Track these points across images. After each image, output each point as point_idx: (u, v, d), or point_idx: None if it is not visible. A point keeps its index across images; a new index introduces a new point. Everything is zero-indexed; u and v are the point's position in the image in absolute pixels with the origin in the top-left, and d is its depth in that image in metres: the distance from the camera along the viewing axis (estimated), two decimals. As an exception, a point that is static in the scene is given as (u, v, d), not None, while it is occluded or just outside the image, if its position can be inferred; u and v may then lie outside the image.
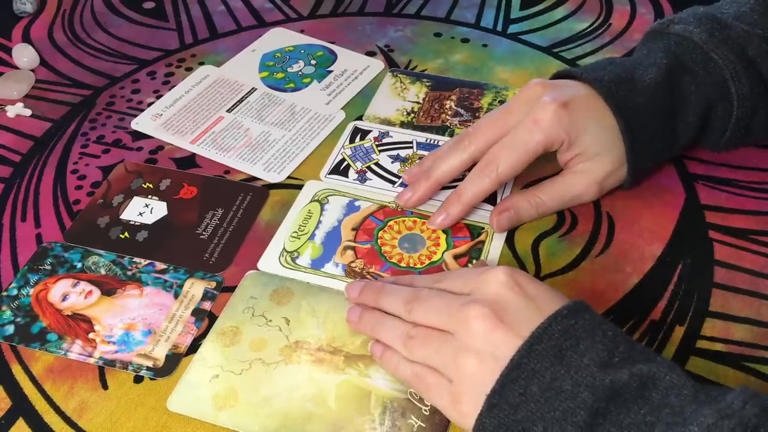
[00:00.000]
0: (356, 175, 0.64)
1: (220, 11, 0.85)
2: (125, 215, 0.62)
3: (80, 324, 0.53)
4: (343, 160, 0.65)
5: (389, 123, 0.69)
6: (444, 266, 0.56)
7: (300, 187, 0.63)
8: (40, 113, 0.73)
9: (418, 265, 0.57)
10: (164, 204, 0.62)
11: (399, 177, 0.63)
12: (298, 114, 0.71)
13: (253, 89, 0.74)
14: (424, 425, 0.47)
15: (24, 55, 0.78)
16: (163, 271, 0.57)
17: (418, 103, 0.71)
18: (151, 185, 0.64)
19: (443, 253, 0.57)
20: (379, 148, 0.66)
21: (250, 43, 0.80)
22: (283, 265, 0.57)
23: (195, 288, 0.56)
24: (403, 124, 0.69)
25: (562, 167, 0.59)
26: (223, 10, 0.85)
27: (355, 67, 0.76)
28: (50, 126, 0.71)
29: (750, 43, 0.57)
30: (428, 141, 0.67)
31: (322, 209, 0.61)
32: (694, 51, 0.58)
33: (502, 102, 0.70)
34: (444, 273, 0.51)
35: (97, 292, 0.56)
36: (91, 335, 0.53)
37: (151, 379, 0.50)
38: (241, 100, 0.72)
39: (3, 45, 0.81)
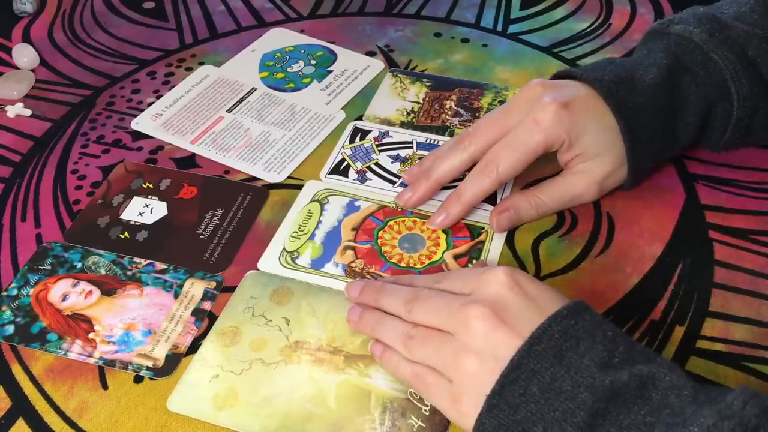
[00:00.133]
0: (356, 175, 0.64)
1: (220, 11, 0.85)
2: (125, 215, 0.62)
3: (80, 324, 0.53)
4: (343, 160, 0.65)
5: (389, 123, 0.69)
6: (444, 266, 0.56)
7: (300, 187, 0.63)
8: (40, 113, 0.73)
9: (418, 265, 0.57)
10: (164, 204, 0.62)
11: (399, 177, 0.63)
12: (298, 114, 0.71)
13: (253, 89, 0.74)
14: (424, 425, 0.47)
15: (24, 55, 0.78)
16: (163, 271, 0.57)
17: (418, 103, 0.71)
18: (151, 185, 0.64)
19: (443, 253, 0.57)
20: (379, 148, 0.66)
21: (250, 43, 0.80)
22: (283, 265, 0.57)
23: (195, 288, 0.56)
24: (403, 124, 0.69)
25: (562, 167, 0.59)
26: (223, 10, 0.85)
27: (355, 67, 0.76)
28: (50, 126, 0.71)
29: (750, 44, 0.57)
30: (428, 141, 0.67)
31: (322, 209, 0.61)
32: (694, 51, 0.58)
33: (502, 102, 0.70)
34: (444, 273, 0.51)
35: (97, 292, 0.56)
36: (91, 335, 0.53)
37: (151, 379, 0.50)
38: (241, 100, 0.72)
39: (3, 45, 0.81)
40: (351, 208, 0.61)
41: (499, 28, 0.80)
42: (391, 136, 0.68)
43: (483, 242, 0.58)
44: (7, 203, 0.63)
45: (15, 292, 0.56)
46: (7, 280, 0.57)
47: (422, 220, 0.60)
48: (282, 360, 0.51)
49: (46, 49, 0.80)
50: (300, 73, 0.75)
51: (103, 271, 0.57)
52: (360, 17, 0.83)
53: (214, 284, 0.56)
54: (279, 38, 0.81)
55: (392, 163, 0.65)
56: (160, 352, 0.52)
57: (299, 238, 0.59)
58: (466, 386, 0.43)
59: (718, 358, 0.50)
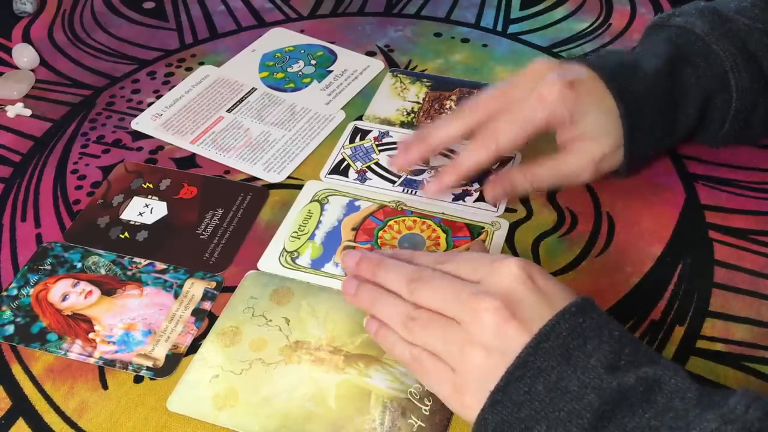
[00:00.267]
0: (356, 175, 0.64)
1: (220, 11, 0.85)
2: (125, 215, 0.62)
3: (80, 324, 0.53)
4: (343, 160, 0.65)
5: (389, 123, 0.69)
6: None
7: (300, 187, 0.63)
8: (40, 113, 0.73)
9: (418, 265, 0.57)
10: (164, 204, 0.62)
11: (399, 177, 0.63)
12: (298, 114, 0.71)
13: (253, 89, 0.74)
14: (424, 425, 0.47)
15: (24, 55, 0.78)
16: (163, 271, 0.57)
17: (418, 103, 0.71)
18: (151, 185, 0.64)
19: (438, 252, 0.57)
20: (379, 148, 0.66)
21: (250, 43, 0.80)
22: (283, 265, 0.57)
23: (195, 288, 0.56)
24: (403, 124, 0.69)
25: (560, 146, 0.58)
26: (223, 10, 0.85)
27: (355, 67, 0.76)
28: (50, 126, 0.71)
29: (751, 37, 0.57)
30: (428, 141, 0.67)
31: (322, 209, 0.61)
32: (696, 43, 0.58)
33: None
34: (449, 254, 0.50)
35: (97, 292, 0.56)
36: (91, 335, 0.53)
37: (151, 379, 0.50)
38: (241, 100, 0.72)
39: (3, 45, 0.81)
40: (351, 207, 0.61)
41: (499, 28, 0.80)
42: (391, 136, 0.68)
43: (483, 242, 0.58)
44: (7, 203, 0.63)
45: (15, 292, 0.56)
46: (7, 280, 0.57)
47: (422, 220, 0.60)
48: (282, 360, 0.51)
49: (46, 49, 0.80)
50: (300, 73, 0.75)
51: (103, 271, 0.57)
52: (360, 17, 0.83)
53: (214, 284, 0.56)
54: (279, 38, 0.81)
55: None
56: (160, 352, 0.52)
57: (299, 238, 0.59)
58: (470, 378, 0.42)
59: (718, 358, 0.50)
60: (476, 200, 0.61)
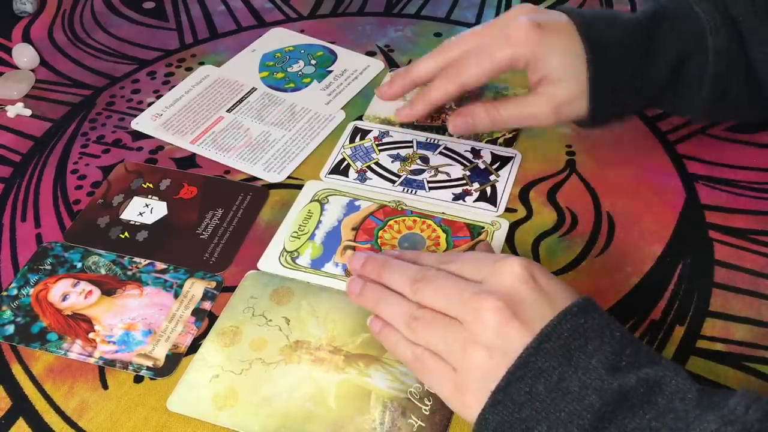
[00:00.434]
0: (356, 175, 0.64)
1: (220, 11, 0.85)
2: (125, 215, 0.62)
3: (80, 324, 0.53)
4: (343, 159, 0.65)
5: (389, 123, 0.69)
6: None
7: (300, 187, 0.63)
8: (40, 113, 0.73)
9: (418, 265, 0.57)
10: (164, 204, 0.62)
11: (399, 176, 0.63)
12: (298, 114, 0.71)
13: (253, 89, 0.74)
14: (424, 425, 0.47)
15: (24, 55, 0.78)
16: (163, 271, 0.57)
17: (418, 103, 0.71)
18: (151, 185, 0.64)
19: (442, 252, 0.57)
20: (379, 148, 0.66)
21: (250, 43, 0.80)
22: (283, 265, 0.57)
23: (195, 288, 0.56)
24: (403, 124, 0.69)
25: (529, 88, 0.60)
26: (223, 10, 0.85)
27: (355, 67, 0.76)
28: (50, 126, 0.71)
29: (735, 4, 0.57)
30: (428, 140, 0.67)
31: (322, 209, 0.61)
32: (679, 2, 0.58)
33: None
34: (453, 253, 0.50)
35: (97, 292, 0.56)
36: (91, 335, 0.53)
37: (151, 379, 0.50)
38: (241, 100, 0.72)
39: (3, 45, 0.81)
40: (351, 207, 0.61)
41: (499, 28, 0.80)
42: (391, 136, 0.68)
43: (489, 243, 0.58)
44: (7, 203, 0.63)
45: (15, 292, 0.56)
46: (7, 280, 0.57)
47: (422, 220, 0.60)
48: (282, 360, 0.51)
49: (46, 49, 0.80)
50: (300, 73, 0.75)
51: (103, 271, 0.57)
52: (360, 17, 0.83)
53: (214, 284, 0.56)
54: (279, 38, 0.81)
55: (392, 162, 0.65)
56: (160, 352, 0.52)
57: (299, 238, 0.59)
58: (471, 378, 0.42)
59: (718, 358, 0.50)
60: (476, 200, 0.61)
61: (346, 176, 0.64)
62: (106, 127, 0.71)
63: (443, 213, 0.60)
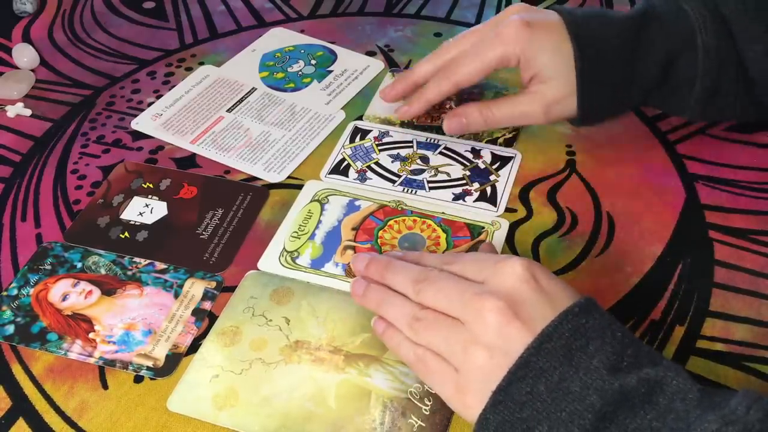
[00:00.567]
0: (356, 175, 0.64)
1: (220, 11, 0.85)
2: (125, 215, 0.62)
3: (80, 324, 0.53)
4: (343, 159, 0.65)
5: (389, 123, 0.69)
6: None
7: (300, 187, 0.63)
8: (40, 113, 0.73)
9: (418, 265, 0.57)
10: (164, 204, 0.62)
11: (399, 176, 0.63)
12: (298, 114, 0.71)
13: (253, 89, 0.74)
14: (424, 425, 0.47)
15: (24, 55, 0.78)
16: (163, 271, 0.57)
17: (418, 103, 0.71)
18: (151, 185, 0.64)
19: (443, 252, 0.57)
20: (379, 148, 0.66)
21: (250, 43, 0.80)
22: (283, 265, 0.57)
23: (195, 288, 0.56)
24: (403, 124, 0.69)
25: (521, 87, 0.61)
26: (223, 10, 0.85)
27: (355, 67, 0.76)
28: (50, 126, 0.71)
29: (725, 2, 0.57)
30: (428, 140, 0.67)
31: (322, 209, 0.61)
32: (669, 1, 0.59)
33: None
34: (456, 254, 0.50)
35: (97, 292, 0.56)
36: (91, 335, 0.53)
37: (151, 379, 0.50)
38: (241, 100, 0.72)
39: (3, 45, 0.81)
40: (351, 207, 0.61)
41: (499, 28, 0.80)
42: (392, 136, 0.68)
43: (483, 242, 0.58)
44: (7, 203, 0.63)
45: (15, 292, 0.56)
46: (7, 280, 0.57)
47: (422, 220, 0.60)
48: (282, 360, 0.51)
49: (46, 49, 0.80)
50: (300, 73, 0.75)
51: (103, 271, 0.57)
52: (360, 17, 0.83)
53: (214, 284, 0.56)
54: (279, 38, 0.81)
55: (392, 162, 0.65)
56: (160, 352, 0.52)
57: (299, 238, 0.59)
58: (473, 378, 0.43)
59: (718, 358, 0.50)
60: (476, 200, 0.61)
61: (346, 176, 0.64)
62: (106, 127, 0.71)
63: (443, 213, 0.60)
